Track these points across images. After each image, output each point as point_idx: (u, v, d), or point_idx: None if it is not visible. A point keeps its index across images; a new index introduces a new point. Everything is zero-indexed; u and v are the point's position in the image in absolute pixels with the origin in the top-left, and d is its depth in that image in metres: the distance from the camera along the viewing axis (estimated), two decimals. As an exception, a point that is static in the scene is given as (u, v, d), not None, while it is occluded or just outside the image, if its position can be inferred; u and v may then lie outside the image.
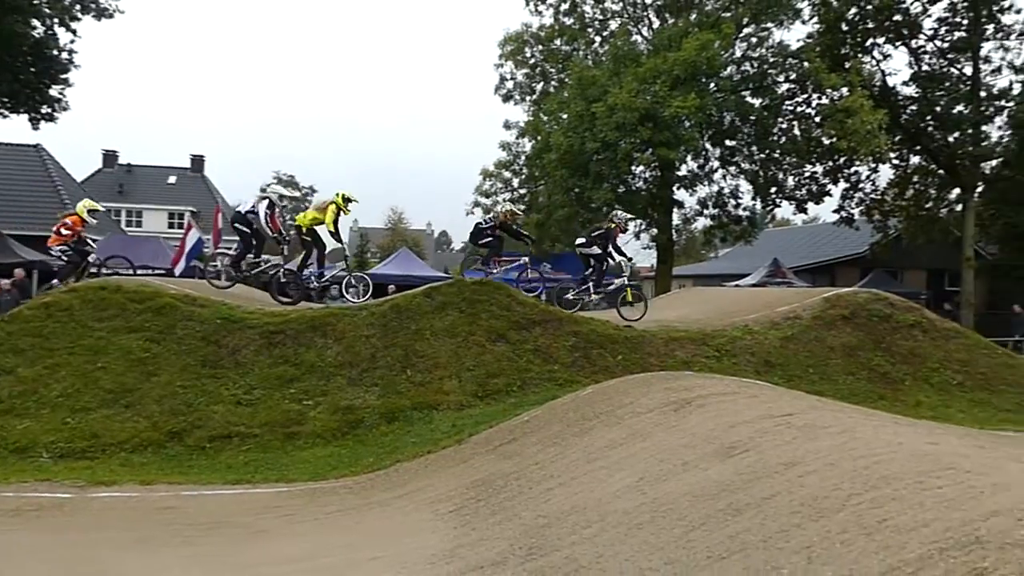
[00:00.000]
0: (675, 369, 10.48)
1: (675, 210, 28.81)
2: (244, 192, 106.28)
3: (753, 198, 28.90)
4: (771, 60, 26.55)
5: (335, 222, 12.51)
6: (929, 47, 28.72)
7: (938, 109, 28.54)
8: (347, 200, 12.59)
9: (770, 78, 26.80)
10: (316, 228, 12.65)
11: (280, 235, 12.51)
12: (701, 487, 4.80)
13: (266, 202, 12.25)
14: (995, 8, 27.83)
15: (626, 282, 13.40)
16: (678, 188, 28.25)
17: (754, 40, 27.07)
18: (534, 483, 6.35)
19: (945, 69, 28.84)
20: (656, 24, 29.11)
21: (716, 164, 28.42)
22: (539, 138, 28.19)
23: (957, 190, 29.80)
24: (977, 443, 5.05)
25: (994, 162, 30.31)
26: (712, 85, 25.22)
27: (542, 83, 31.19)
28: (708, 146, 27.72)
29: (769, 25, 26.51)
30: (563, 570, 4.42)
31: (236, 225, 12.47)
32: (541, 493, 6.08)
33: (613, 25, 29.82)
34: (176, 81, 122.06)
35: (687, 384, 7.27)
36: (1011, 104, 28.99)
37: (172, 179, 52.76)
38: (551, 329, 11.49)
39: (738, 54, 26.97)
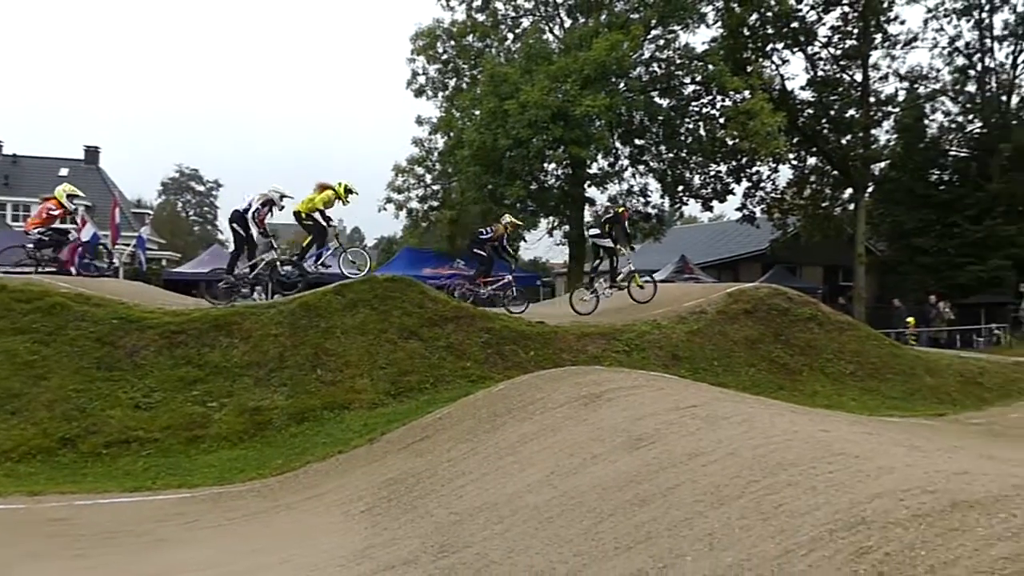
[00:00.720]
0: (586, 364, 10.63)
1: (587, 207, 29.29)
2: (143, 186, 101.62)
3: (662, 196, 29.71)
4: (678, 62, 27.32)
5: (325, 204, 12.48)
6: (824, 54, 30.29)
7: (832, 113, 30.13)
8: (348, 191, 12.61)
9: (677, 79, 27.58)
10: (314, 213, 12.53)
11: (265, 231, 12.33)
12: (610, 479, 4.90)
13: (262, 199, 12.16)
14: (882, 19, 29.59)
15: (632, 268, 13.84)
16: (589, 186, 28.74)
17: (661, 42, 27.78)
18: (446, 480, 6.33)
19: (838, 75, 30.46)
20: (567, 23, 29.49)
21: (626, 163, 29.07)
22: (452, 134, 28.15)
23: (850, 190, 31.53)
24: (865, 429, 5.35)
25: (882, 164, 32.25)
26: (622, 85, 25.74)
27: (455, 79, 31.11)
28: (618, 145, 28.30)
29: (676, 28, 27.25)
30: (474, 566, 4.43)
31: (233, 225, 12.27)
32: (453, 490, 6.07)
33: (525, 23, 30.04)
34: (67, 68, 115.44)
35: (597, 378, 7.40)
36: (897, 110, 30.93)
37: (64, 171, 49.67)
38: (464, 326, 11.47)
39: (647, 55, 27.62)
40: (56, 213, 12.94)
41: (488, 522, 5.07)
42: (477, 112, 26.38)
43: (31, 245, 12.91)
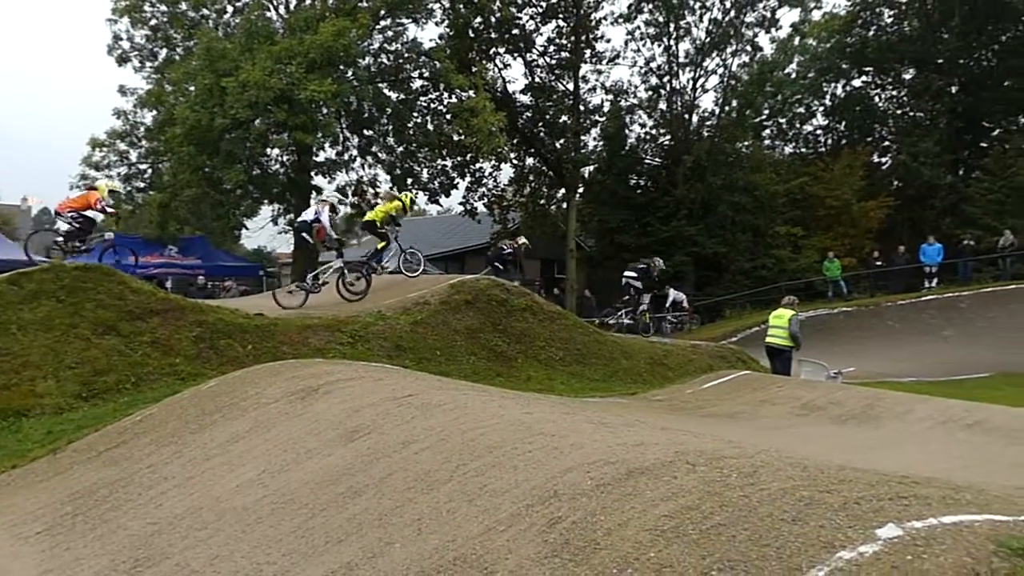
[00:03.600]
0: (309, 357, 10.32)
1: (313, 196, 28.51)
2: None
3: (391, 188, 29.79)
4: (406, 55, 27.53)
5: (397, 212, 14.22)
6: (541, 62, 32.48)
7: (548, 117, 32.43)
8: (412, 203, 15.00)
9: (405, 73, 27.81)
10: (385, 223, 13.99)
11: (339, 239, 13.95)
12: (323, 473, 4.82)
13: (327, 206, 13.61)
14: (592, 36, 32.46)
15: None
16: (316, 174, 27.98)
17: (390, 34, 27.80)
18: (145, 488, 5.78)
19: (553, 83, 32.86)
20: (293, 3, 28.35)
21: (355, 153, 28.72)
22: (162, 109, 25.74)
23: (563, 190, 34.21)
24: (565, 410, 5.83)
25: (591, 167, 35.43)
26: (350, 73, 25.33)
27: (166, 49, 28.44)
28: (347, 134, 27.89)
29: (405, 21, 27.44)
30: (172, 579, 4.11)
31: (302, 234, 13.63)
32: (153, 498, 5.56)
33: (247, -3, 28.34)
34: None
35: (315, 371, 7.23)
36: (603, 119, 34.15)
37: None
38: (172, 319, 10.54)
39: (375, 46, 27.49)
40: (82, 204, 12.64)
41: (191, 529, 4.73)
42: (191, 87, 24.35)
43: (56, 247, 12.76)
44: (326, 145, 26.81)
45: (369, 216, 14.30)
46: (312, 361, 8.45)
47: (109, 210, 12.88)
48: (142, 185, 28.04)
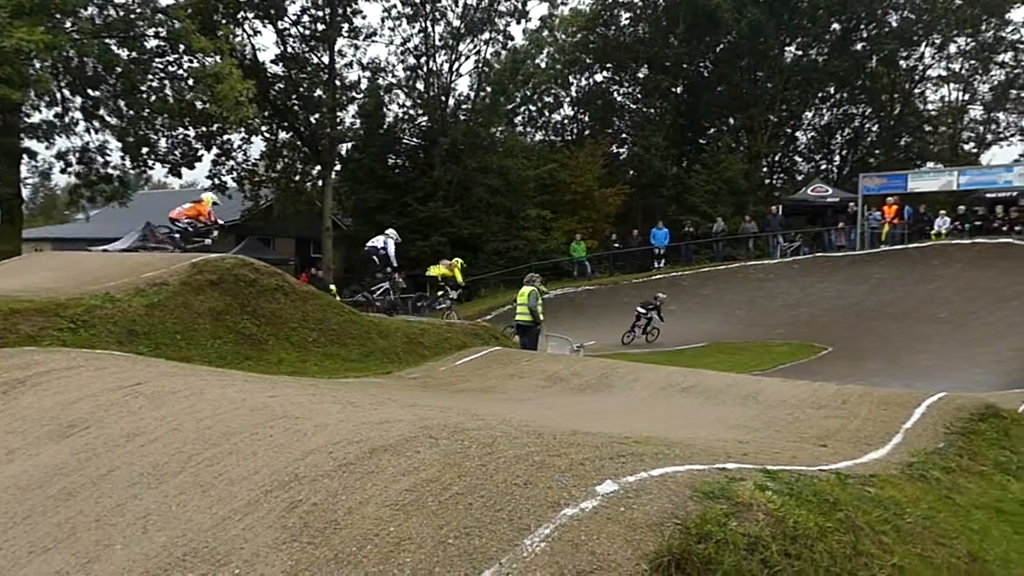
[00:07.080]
0: (19, 345, 9.00)
1: (25, 161, 24.92)
2: None
3: (123, 157, 26.93)
4: (138, 11, 24.86)
5: (463, 276, 19.07)
6: (294, 31, 31.13)
7: (302, 90, 31.21)
8: (463, 268, 19.04)
9: (139, 29, 25.10)
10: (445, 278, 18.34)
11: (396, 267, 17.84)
12: (28, 476, 4.25)
13: (392, 240, 17.54)
14: (348, 10, 31.70)
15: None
16: (30, 137, 24.43)
17: (119, -16, 24.95)
18: None
19: (307, 55, 31.66)
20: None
21: (78, 116, 25.52)
22: None
23: (319, 167, 33.17)
24: (311, 392, 5.66)
25: (348, 145, 34.75)
26: (68, 23, 22.35)
27: None
28: (67, 93, 24.69)
29: (137, -29, 24.75)
30: None
31: (373, 257, 17.61)
32: None
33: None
34: None
35: (21, 361, 6.33)
36: (360, 96, 33.61)
37: None
38: None
39: (100, -4, 24.51)
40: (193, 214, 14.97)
41: None
42: None
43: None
44: (41, 105, 23.54)
45: (432, 271, 18.67)
46: (19, 350, 7.39)
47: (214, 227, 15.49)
48: None
